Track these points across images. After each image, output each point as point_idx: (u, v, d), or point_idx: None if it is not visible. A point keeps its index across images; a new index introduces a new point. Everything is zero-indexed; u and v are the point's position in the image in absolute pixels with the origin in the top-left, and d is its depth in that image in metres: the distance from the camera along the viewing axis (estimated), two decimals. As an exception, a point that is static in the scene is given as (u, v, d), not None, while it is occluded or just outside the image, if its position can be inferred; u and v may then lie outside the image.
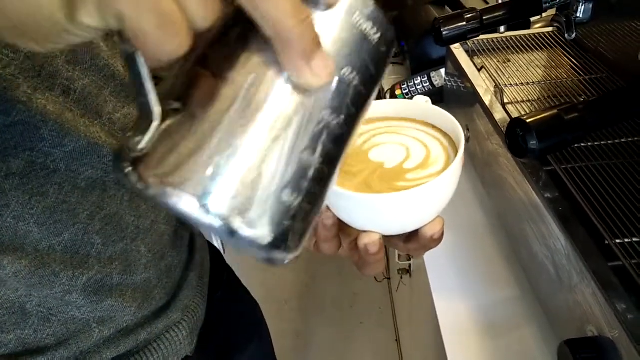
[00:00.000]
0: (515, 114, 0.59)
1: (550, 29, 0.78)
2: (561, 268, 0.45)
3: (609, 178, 0.48)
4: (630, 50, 0.58)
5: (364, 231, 0.33)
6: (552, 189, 0.48)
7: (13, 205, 0.33)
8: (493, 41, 0.77)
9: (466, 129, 0.70)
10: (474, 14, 0.64)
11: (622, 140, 0.52)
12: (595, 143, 0.52)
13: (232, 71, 0.21)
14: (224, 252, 0.72)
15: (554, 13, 0.78)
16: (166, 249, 0.46)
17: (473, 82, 0.66)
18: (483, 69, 0.70)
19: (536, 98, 0.62)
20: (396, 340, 1.65)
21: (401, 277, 1.18)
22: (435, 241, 0.33)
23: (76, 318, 0.39)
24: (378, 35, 0.23)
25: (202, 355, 0.51)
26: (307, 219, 0.23)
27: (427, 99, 0.38)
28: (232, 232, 0.20)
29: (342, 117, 0.23)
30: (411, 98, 0.39)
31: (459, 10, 0.65)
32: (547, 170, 0.51)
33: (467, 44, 0.76)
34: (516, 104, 0.61)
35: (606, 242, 0.42)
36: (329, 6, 0.21)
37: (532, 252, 0.52)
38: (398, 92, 0.95)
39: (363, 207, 0.31)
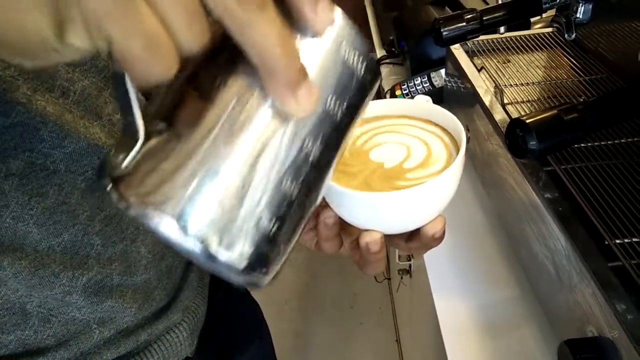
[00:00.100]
0: (515, 115, 0.59)
1: (550, 29, 0.78)
2: (561, 268, 0.45)
3: (609, 178, 0.48)
4: (630, 51, 0.58)
5: (366, 230, 0.33)
6: (552, 189, 0.48)
7: (12, 206, 0.33)
8: (493, 42, 0.77)
9: (466, 129, 0.69)
10: (474, 15, 0.64)
11: (622, 140, 0.52)
12: (595, 143, 0.52)
13: (217, 93, 0.21)
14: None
15: (554, 13, 0.78)
16: (166, 250, 0.46)
17: (473, 82, 0.66)
18: (483, 70, 0.70)
19: (536, 98, 0.62)
20: (396, 340, 1.65)
21: (401, 278, 1.18)
22: (437, 240, 0.33)
23: (76, 319, 0.39)
24: (363, 64, 0.23)
25: (203, 356, 0.51)
26: (286, 243, 0.23)
27: (428, 98, 0.38)
28: (209, 255, 0.20)
29: (324, 144, 0.23)
30: (411, 98, 0.39)
31: (459, 11, 0.65)
32: (547, 171, 0.51)
33: (467, 44, 0.76)
34: (516, 105, 0.61)
35: (606, 242, 0.42)
36: (317, 34, 0.22)
37: (532, 252, 0.52)
38: (398, 92, 0.95)
39: (364, 205, 0.31)
